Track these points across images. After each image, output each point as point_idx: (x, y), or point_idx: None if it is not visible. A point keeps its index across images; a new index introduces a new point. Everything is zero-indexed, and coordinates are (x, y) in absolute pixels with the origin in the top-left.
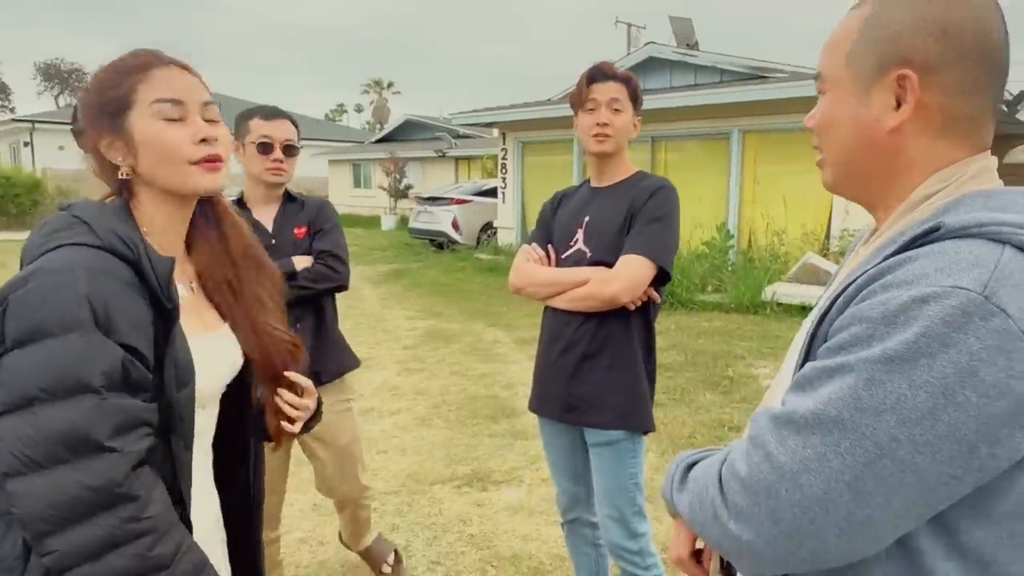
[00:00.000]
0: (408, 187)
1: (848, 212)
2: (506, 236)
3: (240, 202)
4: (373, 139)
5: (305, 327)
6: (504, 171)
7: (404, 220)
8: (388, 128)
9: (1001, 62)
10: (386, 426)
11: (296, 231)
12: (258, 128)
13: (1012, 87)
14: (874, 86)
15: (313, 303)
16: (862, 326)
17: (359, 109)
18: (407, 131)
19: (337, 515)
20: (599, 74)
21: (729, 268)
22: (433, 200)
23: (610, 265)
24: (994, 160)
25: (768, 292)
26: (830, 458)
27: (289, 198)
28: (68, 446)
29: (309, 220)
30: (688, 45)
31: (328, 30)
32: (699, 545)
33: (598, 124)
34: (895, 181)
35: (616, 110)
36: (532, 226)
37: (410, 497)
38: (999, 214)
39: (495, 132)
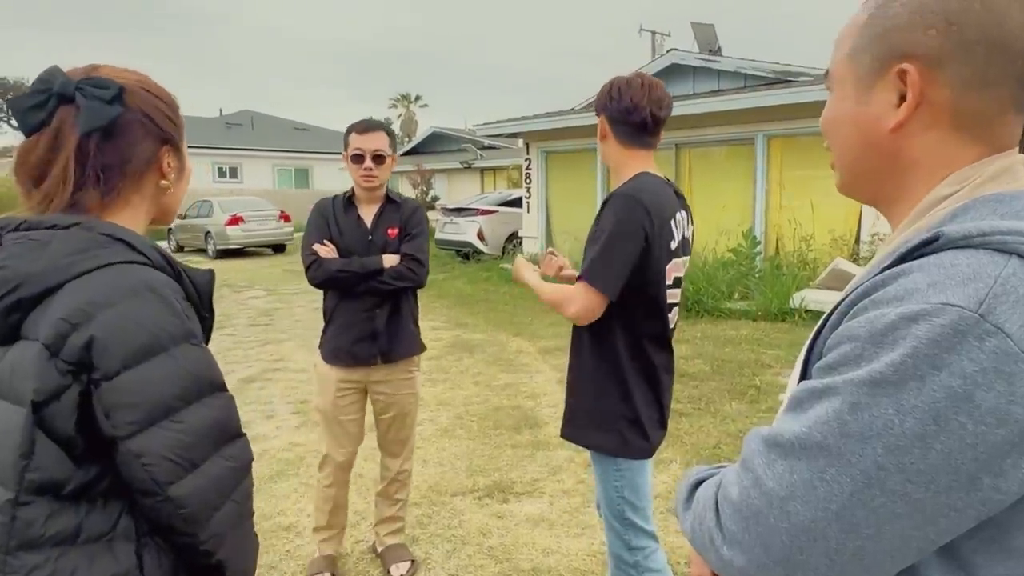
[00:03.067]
0: (435, 199)
1: (879, 216)
2: (531, 246)
3: (350, 200)
4: (400, 152)
5: (382, 315)
6: (528, 181)
7: (431, 232)
8: (414, 141)
9: (1021, 52)
10: None
11: (390, 231)
12: (353, 142)
13: None
14: (875, 83)
15: (392, 295)
16: (850, 345)
17: (388, 123)
18: (433, 143)
19: (373, 508)
20: None
21: (756, 275)
22: (459, 211)
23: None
24: (1021, 158)
25: (796, 299)
26: (816, 485)
27: (389, 200)
28: (214, 440)
29: (402, 222)
30: (711, 51)
31: (358, 45)
32: None
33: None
34: (904, 184)
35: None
36: (557, 235)
37: (431, 509)
38: (1008, 221)
39: (520, 142)
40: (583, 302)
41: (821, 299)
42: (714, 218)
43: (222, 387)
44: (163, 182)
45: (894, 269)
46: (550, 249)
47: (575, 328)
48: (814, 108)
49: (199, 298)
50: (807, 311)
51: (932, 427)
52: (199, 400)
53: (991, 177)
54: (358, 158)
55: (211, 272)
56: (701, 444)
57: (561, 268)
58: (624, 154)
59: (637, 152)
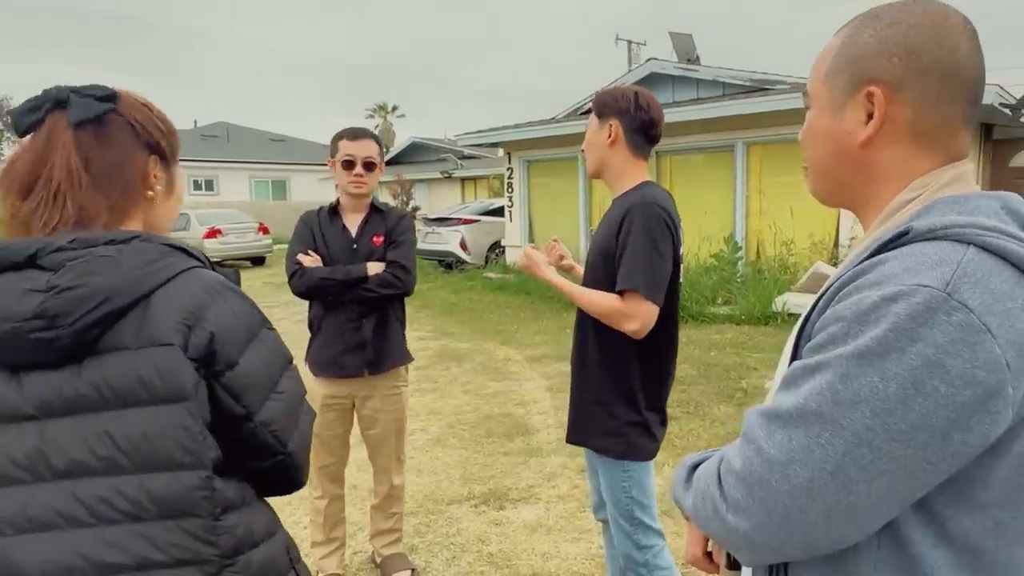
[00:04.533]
0: (415, 209)
1: (856, 220)
2: (514, 255)
3: (334, 209)
4: None
5: (369, 324)
6: (510, 190)
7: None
8: (394, 151)
9: (969, 77)
10: None
11: (375, 239)
12: (344, 148)
13: (1015, 91)
14: (847, 103)
15: (379, 305)
16: (838, 325)
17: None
18: (413, 153)
19: (368, 522)
20: None
21: (738, 280)
22: (441, 221)
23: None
24: (970, 167)
25: (779, 302)
26: (813, 449)
27: (375, 209)
28: (300, 400)
29: (388, 230)
30: (689, 60)
31: (331, 56)
32: (711, 547)
33: (582, 151)
34: (872, 189)
35: (586, 135)
36: (540, 243)
37: (427, 517)
38: (964, 217)
39: (500, 152)
40: (645, 317)
41: (802, 302)
42: (696, 224)
43: (291, 359)
44: (149, 192)
45: (872, 259)
46: (554, 237)
47: (579, 333)
48: (792, 115)
49: None
50: (789, 314)
51: (911, 391)
52: (283, 372)
53: (946, 183)
54: (349, 164)
55: (237, 272)
56: (692, 447)
57: (562, 258)
58: (631, 163)
59: (640, 162)
